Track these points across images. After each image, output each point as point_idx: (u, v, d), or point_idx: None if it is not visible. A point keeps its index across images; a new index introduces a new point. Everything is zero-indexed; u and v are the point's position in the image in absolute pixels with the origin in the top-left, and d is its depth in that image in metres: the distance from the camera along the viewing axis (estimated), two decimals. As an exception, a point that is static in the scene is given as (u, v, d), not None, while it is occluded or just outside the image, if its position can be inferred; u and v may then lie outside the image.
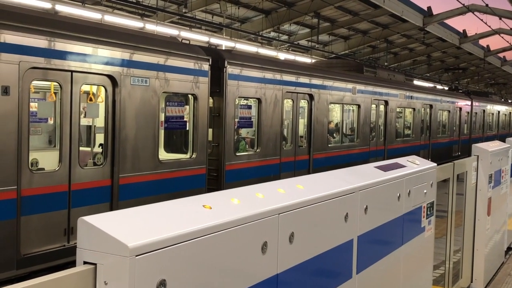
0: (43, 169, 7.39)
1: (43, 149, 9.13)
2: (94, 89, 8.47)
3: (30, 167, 7.02)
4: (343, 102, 15.26)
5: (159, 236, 2.04)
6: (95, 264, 1.93)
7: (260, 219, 2.62)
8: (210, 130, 10.32)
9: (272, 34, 28.27)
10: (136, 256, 1.91)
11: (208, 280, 2.29)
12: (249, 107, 11.58)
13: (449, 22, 31.19)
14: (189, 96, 9.65)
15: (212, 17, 24.80)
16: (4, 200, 6.63)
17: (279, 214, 2.77)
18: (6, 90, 6.58)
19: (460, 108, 25.76)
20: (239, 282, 2.51)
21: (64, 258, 7.24)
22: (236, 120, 11.00)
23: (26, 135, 6.89)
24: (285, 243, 2.84)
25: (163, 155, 9.61)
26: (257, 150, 11.56)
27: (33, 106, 8.09)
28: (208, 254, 2.27)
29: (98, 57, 7.77)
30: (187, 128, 9.75)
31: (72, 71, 7.43)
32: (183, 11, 21.54)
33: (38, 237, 7.10)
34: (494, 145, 8.22)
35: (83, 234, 1.97)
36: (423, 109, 21.11)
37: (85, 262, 1.95)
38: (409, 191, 4.70)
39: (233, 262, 2.46)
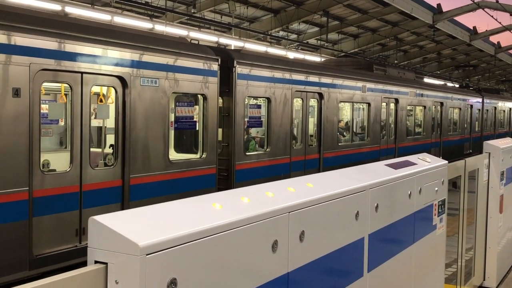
0: (54, 170, 7.43)
1: (54, 150, 9.18)
2: (104, 90, 8.50)
3: (41, 168, 7.06)
4: (353, 101, 15.21)
5: (170, 235, 2.04)
6: (106, 263, 1.94)
7: (270, 217, 2.61)
8: (220, 130, 10.33)
9: (281, 33, 28.25)
10: (147, 255, 1.91)
11: (218, 278, 2.29)
12: (259, 106, 11.58)
13: (459, 19, 31.02)
14: (199, 96, 9.66)
15: (221, 17, 24.82)
16: (16, 201, 6.68)
17: (289, 212, 2.77)
18: (17, 92, 6.62)
19: (471, 106, 25.60)
20: (250, 280, 2.51)
21: (76, 259, 7.28)
22: (246, 119, 11.00)
23: (37, 137, 6.93)
24: (295, 241, 2.83)
25: (173, 155, 9.63)
26: (267, 150, 11.56)
27: (44, 108, 8.14)
28: (218, 252, 2.27)
29: (107, 58, 7.80)
30: (197, 128, 9.76)
31: (82, 73, 7.47)
32: (192, 11, 21.58)
33: (50, 238, 7.14)
34: (505, 142, 8.16)
35: (94, 234, 1.98)
36: (433, 106, 21.00)
37: (96, 262, 1.96)
38: (420, 189, 4.67)
39: (244, 261, 2.46)
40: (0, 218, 6.52)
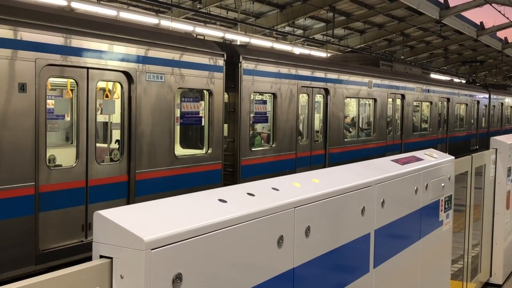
0: (60, 165, 7.45)
1: (60, 145, 9.20)
2: (110, 85, 8.51)
3: (47, 164, 7.08)
4: (359, 96, 15.17)
5: (175, 230, 2.03)
6: (111, 258, 1.93)
7: (275, 212, 2.60)
8: (226, 126, 10.32)
9: (287, 28, 28.19)
10: (152, 249, 1.91)
11: (224, 274, 2.28)
12: (264, 102, 11.57)
13: (466, 14, 30.85)
14: (204, 91, 9.66)
15: (227, 13, 24.79)
16: (23, 196, 6.70)
17: (294, 208, 2.76)
18: (23, 87, 6.63)
19: (478, 101, 25.49)
20: (255, 276, 2.50)
21: (82, 254, 7.30)
22: (252, 115, 10.98)
23: (43, 132, 6.94)
24: (301, 237, 2.82)
25: (179, 150, 9.64)
26: (273, 145, 11.55)
27: (50, 103, 8.15)
28: (224, 247, 2.26)
29: (113, 54, 7.80)
30: (203, 124, 9.76)
31: (88, 68, 7.47)
32: (198, 6, 21.56)
33: (56, 233, 7.17)
34: (513, 138, 8.10)
35: (99, 228, 1.98)
36: (440, 102, 20.91)
37: (101, 256, 1.96)
38: (427, 184, 4.65)
39: (249, 256, 2.45)
40: (6, 213, 6.54)
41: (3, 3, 6.72)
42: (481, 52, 44.02)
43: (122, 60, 7.93)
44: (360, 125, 16.06)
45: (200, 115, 9.68)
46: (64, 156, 7.83)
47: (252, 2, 23.69)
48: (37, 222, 6.87)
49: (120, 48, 7.91)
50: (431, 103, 20.06)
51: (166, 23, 19.57)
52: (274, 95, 11.47)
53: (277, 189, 2.82)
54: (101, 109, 8.32)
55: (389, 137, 16.86)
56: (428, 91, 19.73)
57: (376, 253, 3.72)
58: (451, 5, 27.67)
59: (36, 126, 6.80)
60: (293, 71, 11.99)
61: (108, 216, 1.97)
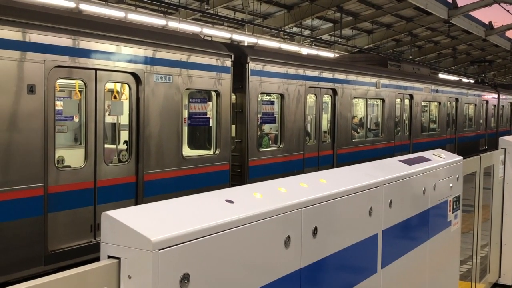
0: (69, 166, 7.49)
1: (69, 146, 9.25)
2: (118, 87, 8.54)
3: (56, 165, 7.11)
4: (367, 97, 15.14)
5: (183, 230, 2.04)
6: (119, 258, 1.94)
7: (283, 213, 2.61)
8: (233, 126, 10.33)
9: (295, 29, 28.17)
10: (160, 250, 1.92)
11: (231, 274, 2.29)
12: (272, 102, 11.56)
13: (475, 14, 30.71)
14: (212, 92, 9.67)
15: (234, 14, 24.80)
16: (32, 197, 6.74)
17: (302, 208, 2.76)
18: (32, 89, 6.67)
19: (487, 101, 25.36)
20: (263, 276, 2.51)
21: (91, 254, 7.33)
22: (259, 116, 10.99)
23: (52, 133, 6.98)
24: (308, 237, 2.82)
25: (187, 151, 9.66)
26: (280, 146, 11.54)
27: (59, 105, 8.19)
28: (231, 248, 2.27)
29: (121, 55, 7.83)
30: (210, 125, 9.78)
31: (96, 69, 7.50)
32: (205, 8, 21.58)
33: (65, 234, 7.20)
34: (522, 138, 8.05)
35: (107, 229, 1.99)
36: (448, 102, 20.83)
37: (109, 257, 1.97)
38: (435, 185, 4.64)
39: (256, 257, 2.46)
40: (16, 214, 6.58)
41: (12, 5, 6.76)
42: (489, 52, 43.80)
43: (130, 61, 7.96)
44: (368, 126, 16.03)
45: (208, 116, 9.70)
46: (73, 157, 7.86)
47: (259, 3, 23.70)
48: (46, 223, 6.90)
49: (128, 50, 7.94)
50: (439, 103, 19.99)
51: (174, 24, 19.61)
52: (282, 96, 11.46)
53: (284, 190, 2.82)
54: (109, 110, 8.35)
55: (398, 137, 16.81)
56: (437, 91, 19.65)
57: (384, 253, 3.72)
58: (459, 5, 27.56)
59: (45, 128, 6.83)
60: (300, 71, 11.99)
61: (115, 217, 1.98)
